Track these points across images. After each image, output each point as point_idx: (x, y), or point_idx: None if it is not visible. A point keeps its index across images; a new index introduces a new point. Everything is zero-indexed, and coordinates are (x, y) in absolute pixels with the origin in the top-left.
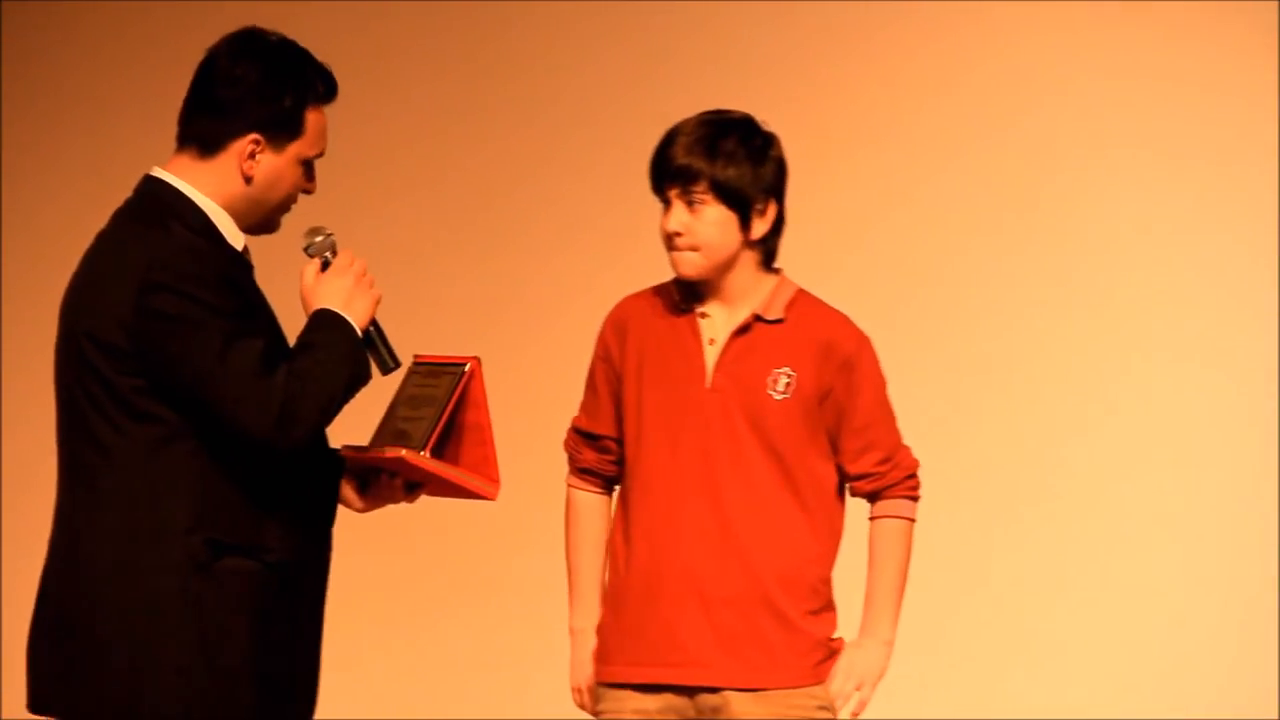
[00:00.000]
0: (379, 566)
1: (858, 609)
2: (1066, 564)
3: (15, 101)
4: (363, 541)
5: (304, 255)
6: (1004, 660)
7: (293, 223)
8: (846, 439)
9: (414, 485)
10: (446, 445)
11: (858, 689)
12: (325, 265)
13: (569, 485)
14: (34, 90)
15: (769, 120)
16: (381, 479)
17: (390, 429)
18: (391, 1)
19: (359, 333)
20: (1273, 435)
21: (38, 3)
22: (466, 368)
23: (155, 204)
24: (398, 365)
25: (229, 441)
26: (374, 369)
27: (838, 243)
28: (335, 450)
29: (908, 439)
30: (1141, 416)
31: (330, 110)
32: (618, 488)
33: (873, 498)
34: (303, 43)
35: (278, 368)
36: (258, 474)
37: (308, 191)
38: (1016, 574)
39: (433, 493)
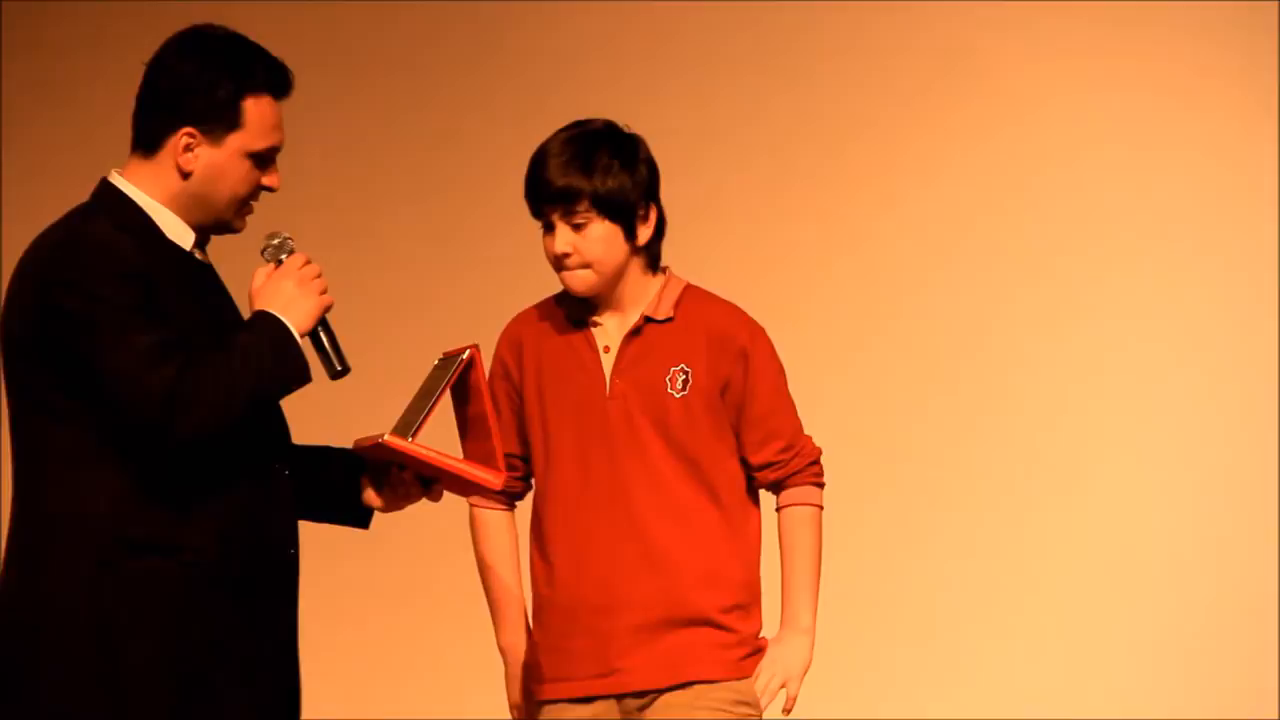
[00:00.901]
0: (367, 570)
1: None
2: (1066, 564)
3: (15, 101)
4: (348, 545)
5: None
6: (1004, 661)
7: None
8: (747, 429)
9: (428, 481)
10: (464, 438)
11: (783, 685)
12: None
13: (472, 504)
14: (34, 90)
15: (762, 123)
16: (393, 474)
17: (399, 422)
18: (373, 3)
19: (294, 334)
20: (1273, 434)
21: (38, 2)
22: (465, 354)
23: (91, 204)
24: (347, 370)
25: (126, 429)
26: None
27: (836, 244)
28: (348, 450)
29: (918, 439)
30: (1142, 416)
31: (311, 109)
32: (518, 502)
33: (777, 487)
34: (291, 42)
35: (173, 359)
36: (179, 472)
37: (269, 188)
38: (1016, 574)
39: (449, 489)
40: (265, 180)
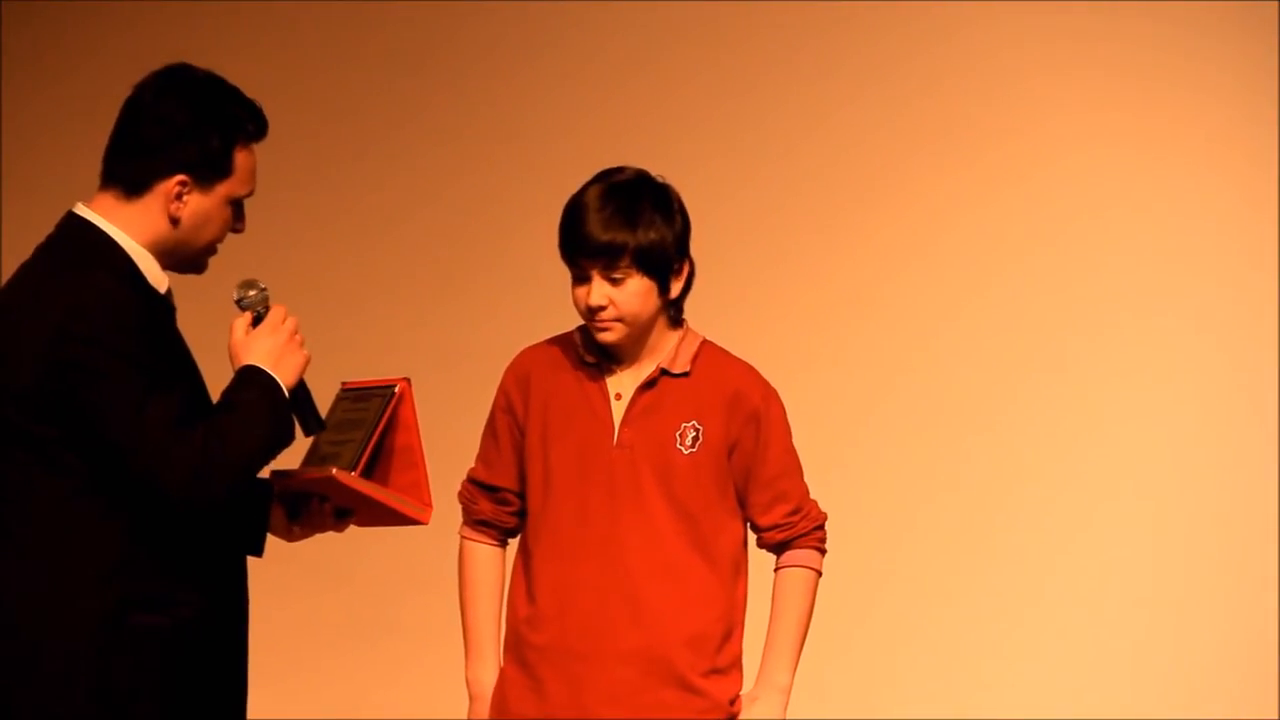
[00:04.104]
0: (314, 607)
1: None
2: (1067, 564)
3: (15, 101)
4: (292, 583)
5: (231, 300)
6: (1004, 661)
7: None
8: (755, 491)
9: (344, 512)
10: (376, 469)
11: None
12: (257, 320)
13: (462, 537)
14: (34, 90)
15: (760, 127)
16: (312, 505)
17: (318, 454)
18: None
19: (285, 392)
20: (1273, 434)
21: (38, 2)
22: (395, 389)
23: (77, 246)
24: (323, 427)
25: (145, 496)
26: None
27: (828, 242)
28: (262, 478)
29: (916, 441)
30: (1142, 416)
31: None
32: (512, 540)
33: (780, 548)
34: (286, 52)
35: (195, 426)
36: (176, 529)
37: (237, 230)
38: (1017, 574)
39: (363, 522)
40: (236, 225)
